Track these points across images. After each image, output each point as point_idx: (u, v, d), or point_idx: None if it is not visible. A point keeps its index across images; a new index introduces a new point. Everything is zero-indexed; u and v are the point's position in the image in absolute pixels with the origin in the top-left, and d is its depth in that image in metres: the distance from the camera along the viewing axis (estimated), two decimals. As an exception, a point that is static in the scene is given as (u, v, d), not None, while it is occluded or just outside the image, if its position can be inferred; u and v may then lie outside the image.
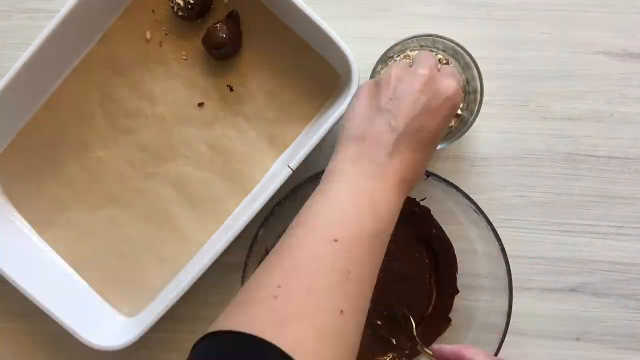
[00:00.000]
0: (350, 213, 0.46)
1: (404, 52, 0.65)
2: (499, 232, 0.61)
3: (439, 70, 0.52)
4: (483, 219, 0.61)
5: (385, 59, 0.64)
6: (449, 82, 0.50)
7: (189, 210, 0.69)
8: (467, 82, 0.65)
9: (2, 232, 0.67)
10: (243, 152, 0.68)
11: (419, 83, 0.49)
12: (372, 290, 0.46)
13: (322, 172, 0.60)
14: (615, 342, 0.69)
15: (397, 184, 0.48)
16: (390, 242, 0.48)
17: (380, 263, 0.47)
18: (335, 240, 0.44)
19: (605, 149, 0.68)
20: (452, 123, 0.65)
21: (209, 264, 0.63)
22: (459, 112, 0.65)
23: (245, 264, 0.62)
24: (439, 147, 0.64)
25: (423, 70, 0.50)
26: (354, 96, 0.53)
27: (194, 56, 0.68)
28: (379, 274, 0.47)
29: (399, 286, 0.68)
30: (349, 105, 0.53)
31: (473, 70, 0.63)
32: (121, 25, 0.68)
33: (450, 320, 0.66)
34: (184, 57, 0.68)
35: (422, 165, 0.51)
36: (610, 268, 0.69)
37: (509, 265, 0.61)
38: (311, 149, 0.62)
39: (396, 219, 0.49)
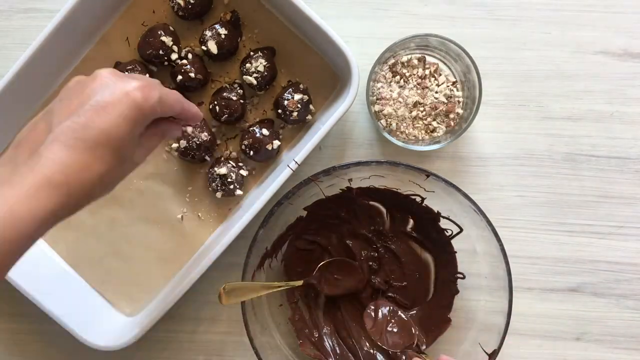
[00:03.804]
0: None
1: (394, 58, 0.65)
2: (499, 232, 0.61)
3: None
4: (483, 219, 0.61)
5: (384, 59, 0.64)
6: (127, 83, 0.44)
7: (189, 210, 0.69)
8: (466, 81, 0.65)
9: (2, 232, 0.67)
10: (243, 152, 0.68)
11: (92, 79, 0.44)
12: None
13: (322, 172, 0.61)
14: (615, 342, 0.69)
15: (39, 187, 0.40)
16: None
17: None
18: None
19: (605, 149, 0.68)
20: (452, 123, 0.66)
21: (209, 264, 0.63)
22: (460, 111, 0.65)
23: (245, 264, 0.62)
24: (437, 146, 0.64)
25: (103, 71, 0.45)
26: None
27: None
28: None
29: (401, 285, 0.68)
30: None
31: (472, 69, 0.63)
32: (121, 25, 0.68)
33: (450, 320, 0.66)
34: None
35: (89, 168, 0.42)
36: (610, 268, 0.69)
37: (509, 265, 0.61)
38: (311, 149, 0.62)
39: (40, 230, 0.41)
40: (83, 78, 0.46)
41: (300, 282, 0.65)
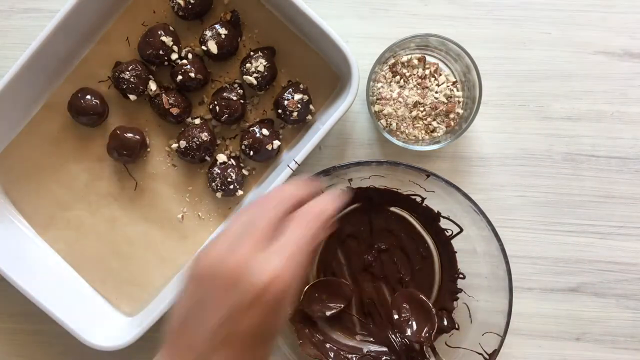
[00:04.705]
0: None
1: (394, 58, 0.65)
2: (499, 232, 0.61)
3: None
4: (483, 219, 0.61)
5: (384, 58, 0.64)
6: (262, 270, 0.41)
7: (189, 210, 0.69)
8: (466, 81, 0.65)
9: (2, 232, 0.67)
10: (243, 152, 0.68)
11: (220, 285, 0.42)
12: None
13: (322, 172, 0.61)
14: (615, 342, 0.69)
15: None
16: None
17: None
18: None
19: (605, 149, 0.68)
20: (452, 123, 0.66)
21: (209, 264, 0.63)
22: (460, 111, 0.65)
23: (245, 264, 0.62)
24: (437, 146, 0.64)
25: (229, 264, 0.42)
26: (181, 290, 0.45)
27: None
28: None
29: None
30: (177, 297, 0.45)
31: (472, 70, 0.63)
32: (121, 25, 0.68)
33: (455, 322, 0.66)
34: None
35: None
36: (610, 268, 0.69)
37: (509, 265, 0.61)
38: (311, 149, 0.62)
39: None
40: (216, 267, 0.43)
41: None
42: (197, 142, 0.65)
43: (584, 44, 0.68)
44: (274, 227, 0.44)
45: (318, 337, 0.67)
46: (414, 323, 0.66)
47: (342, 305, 0.67)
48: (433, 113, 0.65)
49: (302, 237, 0.43)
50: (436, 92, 0.65)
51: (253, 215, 0.45)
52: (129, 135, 0.66)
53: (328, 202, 0.47)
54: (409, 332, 0.65)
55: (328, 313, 0.67)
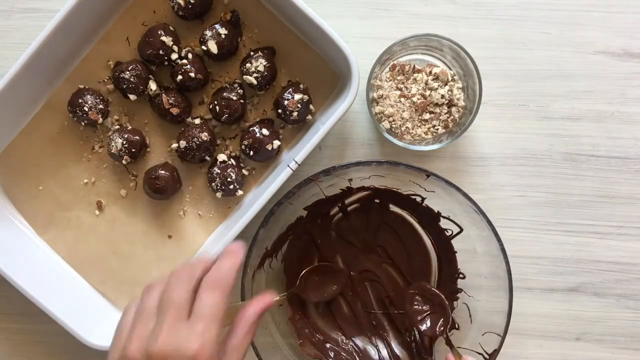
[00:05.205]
0: None
1: (394, 58, 0.65)
2: (499, 232, 0.61)
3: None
4: (483, 219, 0.61)
5: (384, 58, 0.64)
6: (186, 350, 0.43)
7: (190, 209, 0.69)
8: (466, 81, 0.65)
9: (2, 232, 0.67)
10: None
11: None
12: None
13: (322, 172, 0.61)
14: (615, 342, 0.69)
15: None
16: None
17: None
18: None
19: (605, 149, 0.68)
20: (452, 123, 0.66)
21: (209, 264, 0.63)
22: (460, 111, 0.65)
23: (245, 264, 0.62)
24: (437, 146, 0.64)
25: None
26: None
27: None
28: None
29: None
30: None
31: (472, 70, 0.63)
32: (121, 25, 0.68)
33: (455, 322, 0.66)
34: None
35: None
36: (610, 268, 0.69)
37: (509, 265, 0.61)
38: (311, 149, 0.62)
39: None
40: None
41: (284, 294, 0.64)
42: (197, 142, 0.65)
43: (584, 44, 0.68)
44: (189, 301, 0.45)
45: (318, 337, 0.67)
46: (428, 317, 0.65)
47: (336, 287, 0.66)
48: (433, 113, 0.65)
49: (211, 306, 0.45)
50: (436, 92, 0.65)
51: (166, 293, 0.46)
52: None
53: (226, 263, 0.47)
54: (423, 327, 0.65)
55: (325, 296, 0.66)
